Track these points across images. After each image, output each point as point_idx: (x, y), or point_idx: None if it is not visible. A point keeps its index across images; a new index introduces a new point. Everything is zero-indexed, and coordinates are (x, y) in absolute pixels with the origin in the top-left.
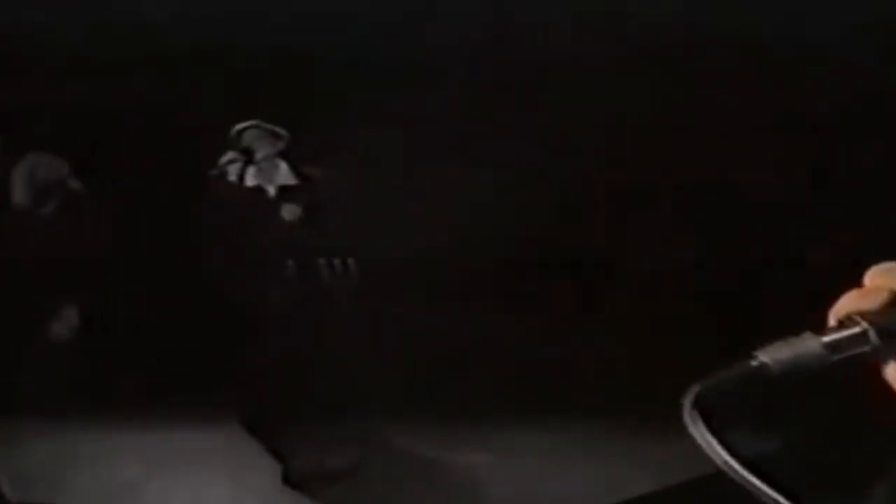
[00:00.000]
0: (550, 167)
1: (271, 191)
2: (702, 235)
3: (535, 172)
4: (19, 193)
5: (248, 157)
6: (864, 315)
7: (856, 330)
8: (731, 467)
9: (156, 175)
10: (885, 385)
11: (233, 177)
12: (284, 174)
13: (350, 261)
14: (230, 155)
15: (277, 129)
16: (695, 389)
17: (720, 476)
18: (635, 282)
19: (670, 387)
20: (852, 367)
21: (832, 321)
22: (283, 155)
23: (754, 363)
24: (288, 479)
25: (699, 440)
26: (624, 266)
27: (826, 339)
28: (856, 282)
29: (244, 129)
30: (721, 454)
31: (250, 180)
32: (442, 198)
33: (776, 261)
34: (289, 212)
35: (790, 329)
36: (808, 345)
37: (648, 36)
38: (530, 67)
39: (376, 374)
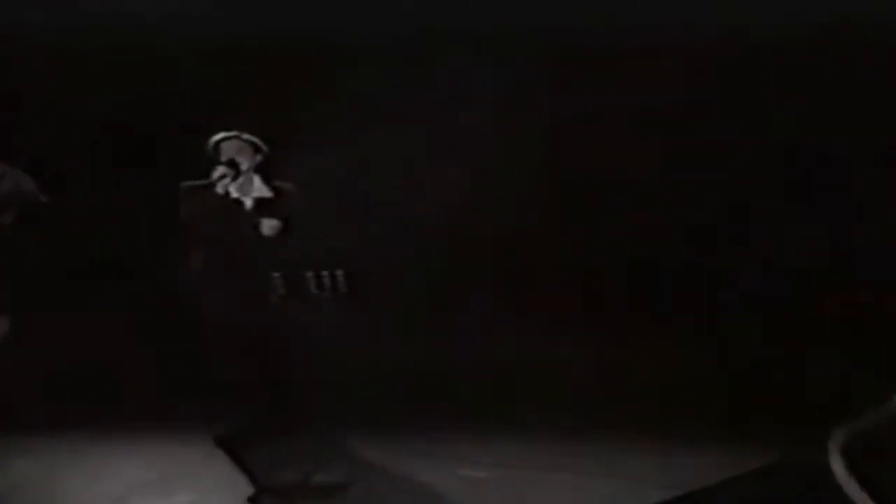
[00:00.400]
0: (546, 168)
1: (248, 203)
2: (701, 237)
3: (531, 174)
4: None
5: (236, 171)
6: None
7: None
8: None
9: (134, 183)
10: None
11: (221, 190)
12: (258, 187)
13: (338, 273)
14: (222, 170)
15: (257, 141)
16: (841, 433)
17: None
18: (638, 285)
19: (671, 396)
20: None
21: None
22: (258, 168)
23: None
24: (254, 501)
25: (844, 485)
26: (624, 269)
27: None
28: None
29: (223, 140)
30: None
31: (234, 193)
32: (432, 202)
33: (776, 262)
34: (268, 227)
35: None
36: None
37: (648, 33)
38: (526, 66)
39: (360, 388)
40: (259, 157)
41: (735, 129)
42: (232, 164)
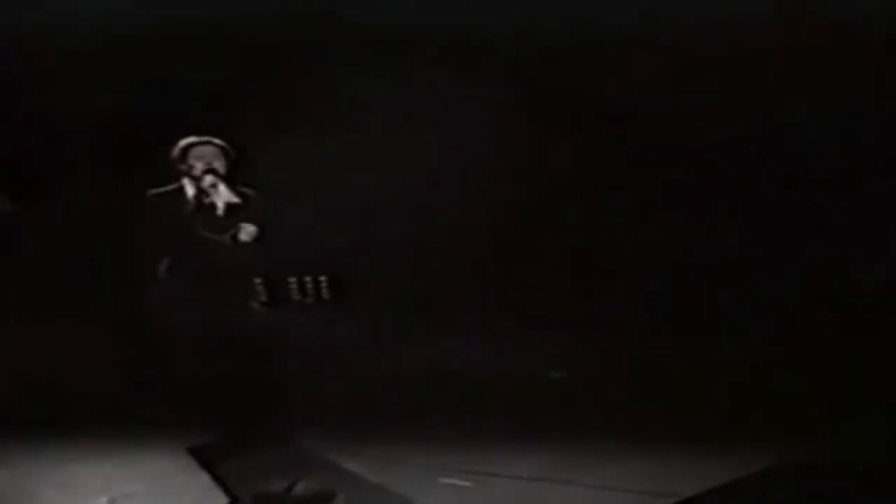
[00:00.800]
0: (537, 169)
1: (220, 209)
2: (700, 241)
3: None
4: None
5: (217, 177)
6: None
7: None
8: None
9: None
10: None
11: (206, 199)
12: (225, 194)
13: (322, 278)
14: (210, 179)
15: (227, 146)
16: None
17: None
18: (630, 288)
19: (662, 402)
20: None
21: None
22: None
23: None
24: None
25: None
26: (616, 272)
27: None
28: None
29: (192, 145)
30: None
31: (216, 200)
32: (421, 205)
33: (774, 262)
34: (246, 233)
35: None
36: None
37: (651, 21)
38: (515, 64)
39: (343, 396)
40: (229, 164)
41: (729, 127)
42: (213, 171)
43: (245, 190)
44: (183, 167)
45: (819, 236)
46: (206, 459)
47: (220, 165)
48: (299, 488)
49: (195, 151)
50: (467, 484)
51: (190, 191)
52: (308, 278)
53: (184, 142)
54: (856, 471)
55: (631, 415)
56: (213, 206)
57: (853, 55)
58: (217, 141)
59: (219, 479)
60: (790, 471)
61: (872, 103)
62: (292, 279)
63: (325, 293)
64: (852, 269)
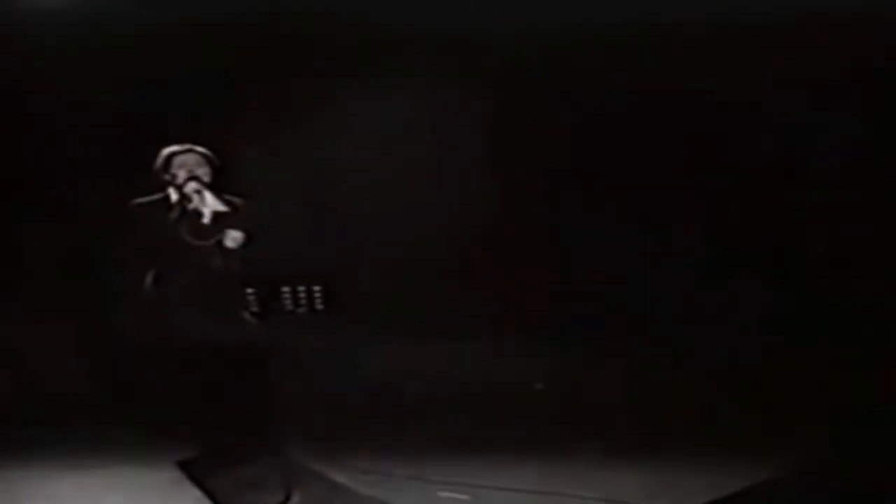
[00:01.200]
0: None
1: (207, 217)
2: (700, 242)
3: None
4: None
5: (202, 185)
6: None
7: None
8: None
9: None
10: None
11: (191, 206)
12: (211, 202)
13: (316, 288)
14: (193, 186)
15: (210, 154)
16: None
17: None
18: (620, 296)
19: (653, 412)
20: None
21: None
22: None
23: None
24: None
25: None
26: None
27: None
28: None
29: (176, 154)
30: None
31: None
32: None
33: (770, 263)
34: (232, 239)
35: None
36: None
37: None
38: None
39: (337, 409)
40: (212, 171)
41: (730, 127)
42: (196, 178)
43: (232, 198)
44: (166, 176)
45: (818, 237)
46: (197, 473)
47: (203, 173)
48: (293, 502)
49: (178, 160)
50: (465, 497)
51: (174, 197)
52: (301, 288)
53: (166, 151)
54: (856, 471)
55: (631, 425)
56: (198, 213)
57: (853, 55)
58: (199, 149)
59: (210, 494)
60: (791, 475)
61: (873, 103)
62: (285, 289)
63: (318, 303)
64: (852, 270)
